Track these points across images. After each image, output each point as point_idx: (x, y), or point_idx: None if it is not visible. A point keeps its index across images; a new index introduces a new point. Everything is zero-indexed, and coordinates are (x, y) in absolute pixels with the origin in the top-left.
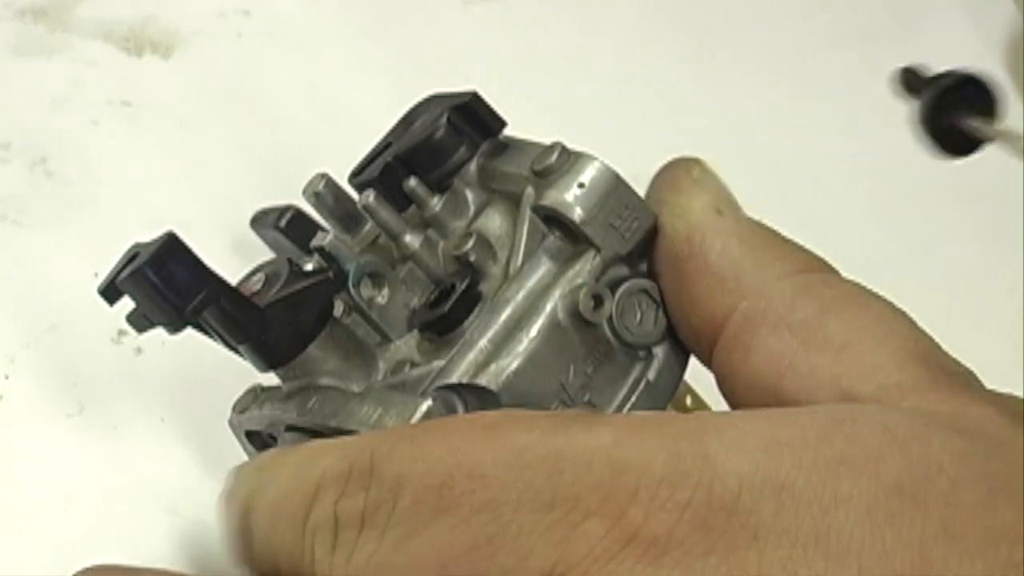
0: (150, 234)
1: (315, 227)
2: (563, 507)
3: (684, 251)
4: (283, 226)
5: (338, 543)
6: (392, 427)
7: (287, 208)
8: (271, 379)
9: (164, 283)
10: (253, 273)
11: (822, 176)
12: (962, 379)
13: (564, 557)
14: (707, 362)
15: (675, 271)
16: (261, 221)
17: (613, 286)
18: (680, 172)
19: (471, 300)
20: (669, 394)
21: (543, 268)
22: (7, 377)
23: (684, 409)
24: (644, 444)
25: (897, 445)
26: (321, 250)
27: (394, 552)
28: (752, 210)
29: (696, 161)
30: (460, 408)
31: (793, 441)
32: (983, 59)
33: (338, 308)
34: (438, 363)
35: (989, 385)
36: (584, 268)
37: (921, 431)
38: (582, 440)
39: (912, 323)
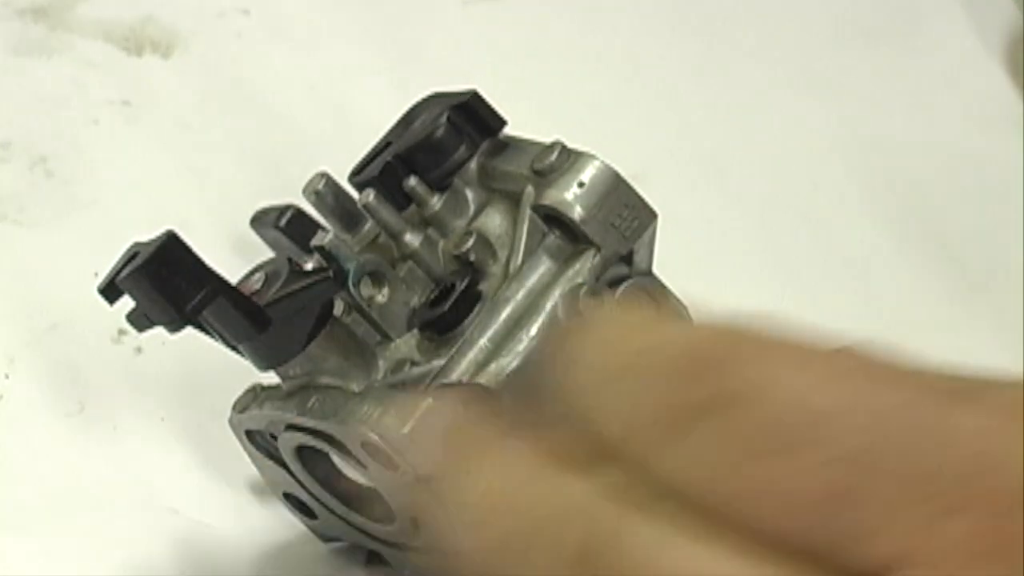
0: (150, 234)
1: (315, 226)
2: (928, 490)
3: None
4: (283, 225)
5: (675, 432)
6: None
7: (287, 207)
8: (271, 378)
9: (164, 282)
10: (253, 272)
11: (822, 176)
12: None
13: (916, 548)
14: None
15: None
16: (261, 220)
17: (613, 285)
18: None
19: (471, 299)
20: None
21: (543, 267)
22: (7, 377)
23: None
24: None
25: None
26: (321, 249)
27: (733, 469)
28: (752, 210)
29: None
30: None
31: None
32: (983, 59)
33: (338, 307)
34: (438, 362)
35: None
36: (584, 267)
37: None
38: (967, 420)
39: None
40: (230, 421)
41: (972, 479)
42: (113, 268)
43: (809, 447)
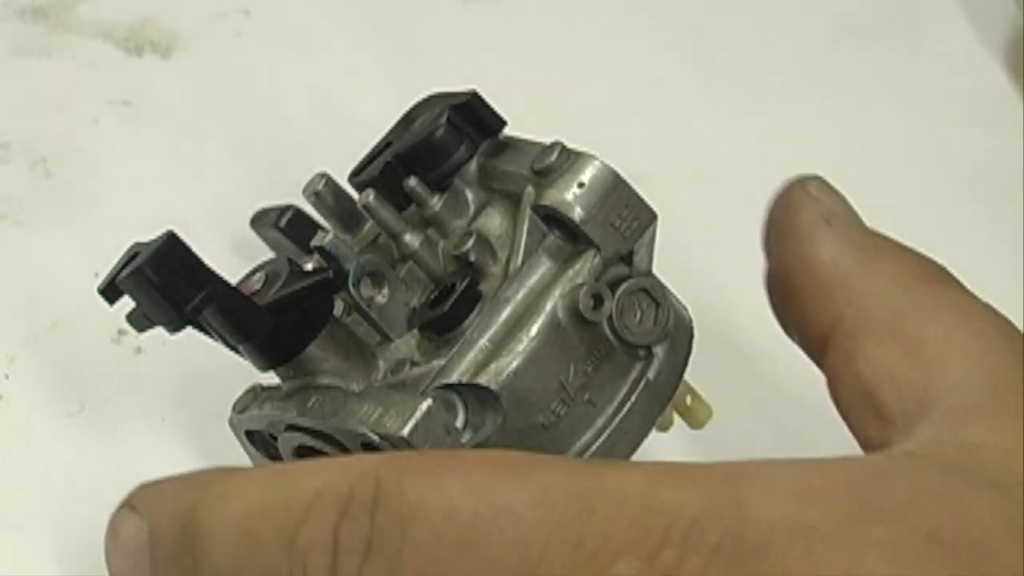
0: (150, 234)
1: (315, 226)
2: (593, 545)
3: (792, 264)
4: (283, 225)
5: (338, 570)
6: (394, 453)
7: (287, 207)
8: (271, 378)
9: (164, 282)
10: (253, 272)
11: (822, 176)
12: None
13: None
14: (821, 366)
15: (785, 284)
16: (261, 221)
17: (613, 285)
18: (793, 189)
19: (471, 299)
20: (670, 393)
21: (543, 267)
22: (7, 377)
23: (684, 408)
24: (676, 487)
25: (931, 497)
26: (321, 249)
27: None
28: (752, 210)
29: (814, 177)
30: (460, 407)
31: (825, 490)
32: (983, 59)
33: (338, 307)
34: (438, 362)
35: None
36: (584, 267)
37: (956, 485)
38: (612, 481)
39: (1015, 340)
40: (230, 421)
41: (633, 525)
42: (113, 268)
43: (487, 539)
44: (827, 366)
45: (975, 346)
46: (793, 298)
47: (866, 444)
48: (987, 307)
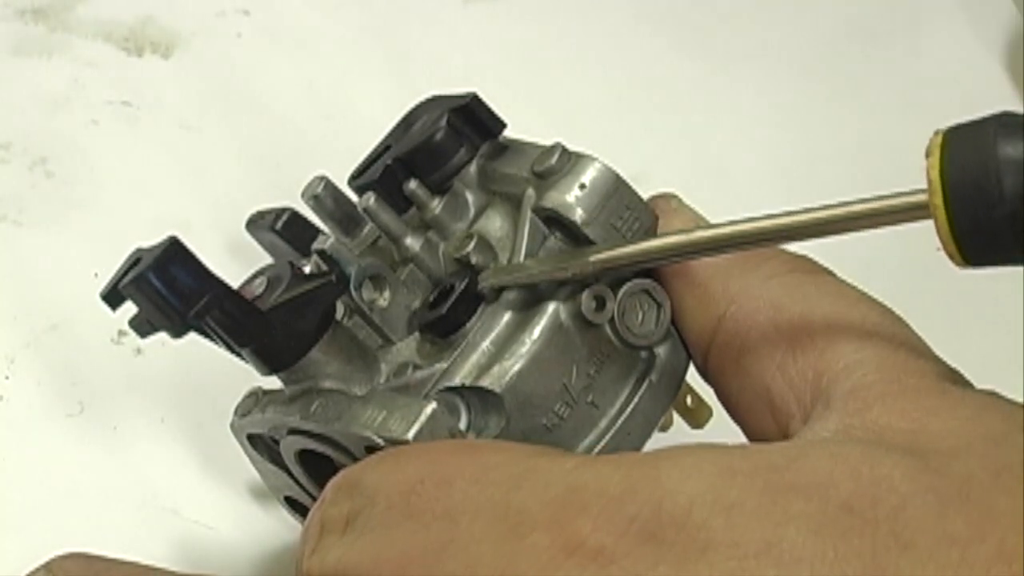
0: (150, 234)
1: (311, 229)
2: (513, 520)
3: (669, 269)
4: (279, 228)
5: (318, 546)
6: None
7: (283, 210)
8: (272, 381)
9: (167, 288)
10: (255, 276)
11: (823, 176)
12: (935, 382)
13: (510, 566)
14: (704, 373)
15: (666, 291)
16: (256, 223)
17: (615, 287)
18: (659, 201)
19: (472, 301)
20: (672, 394)
21: None
22: (7, 377)
23: (685, 409)
24: (601, 469)
25: (847, 470)
26: (323, 253)
27: (361, 553)
28: (752, 210)
29: (672, 195)
30: (463, 411)
31: (745, 469)
32: (983, 59)
33: (339, 311)
34: (440, 365)
35: (989, 386)
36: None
37: (872, 456)
38: (546, 463)
39: (899, 322)
40: (231, 425)
41: (554, 502)
42: (116, 274)
43: (424, 508)
44: (712, 367)
45: (861, 329)
46: (675, 304)
47: (765, 440)
48: (865, 294)
